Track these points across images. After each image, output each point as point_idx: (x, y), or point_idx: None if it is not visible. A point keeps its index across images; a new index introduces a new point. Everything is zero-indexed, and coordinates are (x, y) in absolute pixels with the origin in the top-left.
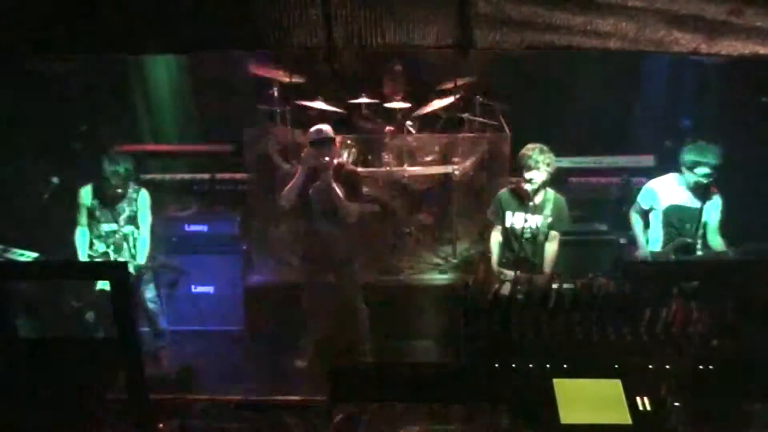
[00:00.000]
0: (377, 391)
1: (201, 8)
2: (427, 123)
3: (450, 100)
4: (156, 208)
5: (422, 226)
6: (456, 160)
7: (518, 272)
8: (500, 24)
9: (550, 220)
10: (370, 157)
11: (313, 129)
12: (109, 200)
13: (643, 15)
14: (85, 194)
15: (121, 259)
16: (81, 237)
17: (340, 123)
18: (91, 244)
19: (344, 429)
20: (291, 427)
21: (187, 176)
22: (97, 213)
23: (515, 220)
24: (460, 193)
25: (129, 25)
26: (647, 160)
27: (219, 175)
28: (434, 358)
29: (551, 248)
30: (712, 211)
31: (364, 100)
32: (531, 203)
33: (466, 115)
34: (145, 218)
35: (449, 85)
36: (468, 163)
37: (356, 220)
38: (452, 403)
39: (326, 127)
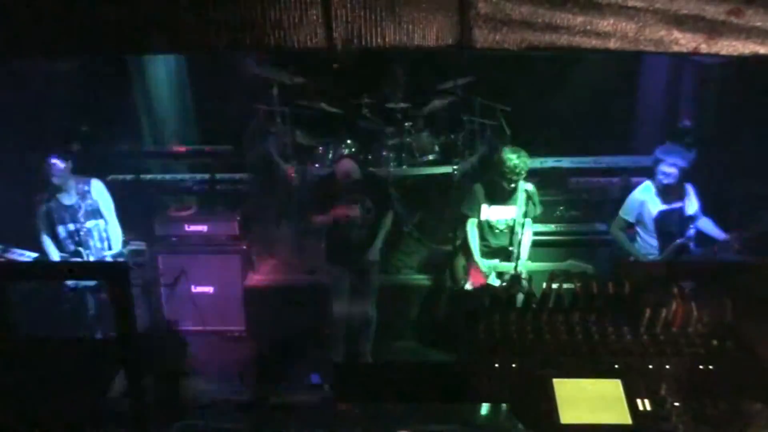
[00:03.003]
0: (377, 391)
1: (201, 8)
2: (427, 123)
3: (450, 100)
4: (156, 208)
5: (422, 226)
6: (456, 160)
7: (497, 261)
8: (500, 24)
9: (523, 209)
10: (370, 157)
11: (341, 169)
12: (61, 200)
13: (643, 15)
14: (40, 200)
15: (92, 256)
16: (46, 242)
17: (340, 123)
18: (61, 247)
19: (344, 429)
20: (291, 427)
21: (187, 176)
22: (54, 215)
23: (490, 212)
24: (459, 193)
25: (129, 24)
26: (647, 160)
27: (219, 175)
28: (434, 358)
29: (526, 235)
30: (691, 203)
31: (364, 100)
32: (506, 195)
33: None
34: (107, 207)
35: (449, 86)
36: (467, 163)
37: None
38: (452, 403)
39: (354, 167)
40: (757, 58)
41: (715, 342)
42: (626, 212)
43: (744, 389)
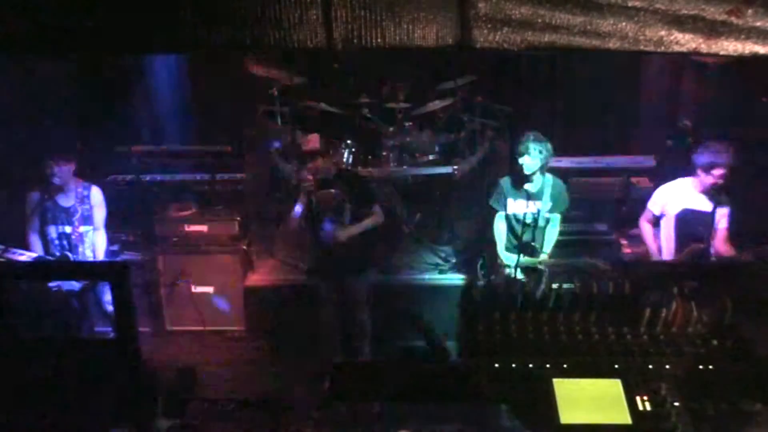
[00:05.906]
0: (377, 390)
1: (200, 7)
2: (427, 123)
3: (450, 100)
4: (156, 208)
5: (422, 226)
6: (456, 160)
7: (521, 256)
8: (500, 24)
9: (550, 204)
10: (370, 158)
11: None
12: (59, 201)
13: (643, 15)
14: (36, 198)
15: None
16: (35, 242)
17: (340, 123)
18: (47, 249)
19: (343, 429)
20: (290, 427)
21: (187, 176)
22: (49, 215)
23: (516, 206)
24: (460, 193)
25: (129, 24)
26: (647, 160)
27: (219, 175)
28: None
29: (552, 230)
30: (722, 217)
31: (364, 100)
32: (531, 189)
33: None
34: (100, 215)
35: (449, 86)
36: (468, 163)
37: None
38: (452, 403)
39: (314, 138)
40: (757, 58)
41: (715, 342)
42: (653, 203)
43: (744, 389)
